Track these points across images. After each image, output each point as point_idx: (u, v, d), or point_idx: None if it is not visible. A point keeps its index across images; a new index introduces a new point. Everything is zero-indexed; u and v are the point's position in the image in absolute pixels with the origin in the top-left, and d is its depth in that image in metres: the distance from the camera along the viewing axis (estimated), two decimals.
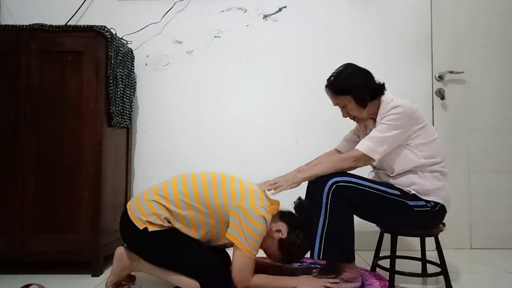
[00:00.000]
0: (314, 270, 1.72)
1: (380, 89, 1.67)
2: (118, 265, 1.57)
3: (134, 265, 1.56)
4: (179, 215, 1.48)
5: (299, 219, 1.58)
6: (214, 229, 1.52)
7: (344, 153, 1.80)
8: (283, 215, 1.60)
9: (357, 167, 1.64)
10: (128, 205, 1.55)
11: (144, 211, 1.48)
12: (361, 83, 1.64)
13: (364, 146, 1.60)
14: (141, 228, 1.46)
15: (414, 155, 1.60)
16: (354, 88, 1.63)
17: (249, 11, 2.42)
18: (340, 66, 1.71)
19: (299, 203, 1.60)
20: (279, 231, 1.55)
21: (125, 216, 1.53)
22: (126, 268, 1.57)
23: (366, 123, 1.78)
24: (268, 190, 1.64)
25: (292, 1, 2.42)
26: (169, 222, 1.49)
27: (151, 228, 1.46)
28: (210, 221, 1.50)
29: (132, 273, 1.67)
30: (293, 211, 1.60)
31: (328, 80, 1.71)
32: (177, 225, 1.49)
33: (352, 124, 1.86)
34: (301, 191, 1.81)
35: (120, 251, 1.58)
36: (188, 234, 1.51)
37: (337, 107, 1.74)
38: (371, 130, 1.69)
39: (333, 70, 1.72)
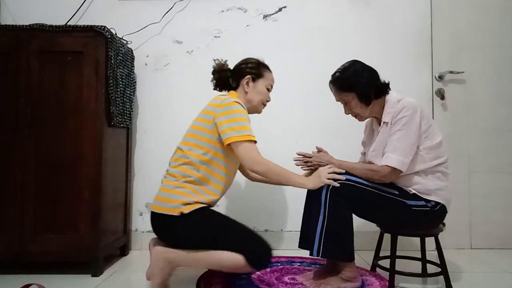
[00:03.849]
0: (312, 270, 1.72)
1: (384, 88, 1.66)
2: (158, 265, 1.48)
3: (173, 259, 1.48)
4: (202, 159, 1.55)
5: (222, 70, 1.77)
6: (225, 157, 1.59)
7: None
8: (233, 80, 1.76)
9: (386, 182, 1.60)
10: (153, 206, 1.55)
11: (170, 196, 1.50)
12: (366, 80, 1.63)
13: (393, 160, 1.55)
14: (177, 214, 1.46)
15: (422, 159, 1.59)
16: (359, 86, 1.62)
17: (249, 11, 2.42)
18: (346, 62, 1.69)
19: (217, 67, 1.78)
20: (247, 83, 1.72)
21: (155, 216, 1.53)
22: (166, 265, 1.48)
23: (374, 126, 1.78)
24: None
25: (292, 1, 2.42)
26: (199, 184, 1.53)
27: (186, 210, 1.46)
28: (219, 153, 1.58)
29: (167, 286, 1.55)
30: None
31: (333, 75, 1.69)
32: (210, 168, 1.55)
33: (352, 125, 1.86)
34: (301, 191, 1.81)
35: (157, 250, 1.51)
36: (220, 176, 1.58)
37: (339, 105, 1.73)
38: (378, 132, 1.69)
39: (334, 69, 1.71)
